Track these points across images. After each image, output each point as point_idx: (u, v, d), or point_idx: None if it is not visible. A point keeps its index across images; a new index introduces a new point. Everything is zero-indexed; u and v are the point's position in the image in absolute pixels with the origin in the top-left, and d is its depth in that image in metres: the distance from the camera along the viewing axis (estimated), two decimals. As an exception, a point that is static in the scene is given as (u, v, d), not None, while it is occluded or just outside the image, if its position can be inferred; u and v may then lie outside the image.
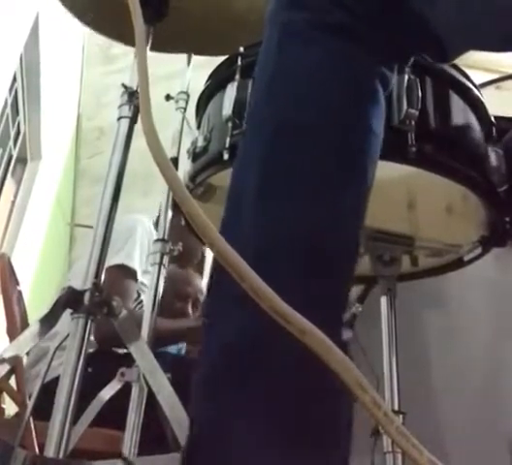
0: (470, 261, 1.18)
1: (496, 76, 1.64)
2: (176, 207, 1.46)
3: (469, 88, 1.06)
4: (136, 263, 1.76)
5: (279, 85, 0.72)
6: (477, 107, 1.07)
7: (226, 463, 0.59)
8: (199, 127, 1.17)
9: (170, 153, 1.44)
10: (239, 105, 0.99)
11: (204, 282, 2.04)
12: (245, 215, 0.66)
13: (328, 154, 0.69)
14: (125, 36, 1.33)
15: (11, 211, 3.89)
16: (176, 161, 1.44)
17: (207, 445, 0.61)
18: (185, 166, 1.12)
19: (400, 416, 1.11)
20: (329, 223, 0.66)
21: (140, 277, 1.78)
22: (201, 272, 2.08)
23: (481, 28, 0.72)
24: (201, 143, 1.07)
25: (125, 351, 0.95)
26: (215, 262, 0.65)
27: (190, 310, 1.96)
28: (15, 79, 3.34)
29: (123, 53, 3.66)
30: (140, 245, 1.79)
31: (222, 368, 0.63)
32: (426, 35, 0.73)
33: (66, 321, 0.89)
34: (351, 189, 0.69)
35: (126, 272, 1.74)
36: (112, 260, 1.68)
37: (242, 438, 0.59)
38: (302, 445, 0.59)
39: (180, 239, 1.46)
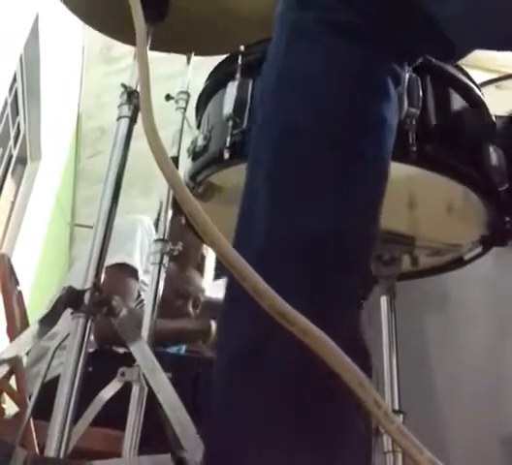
0: (470, 260, 1.18)
1: (496, 75, 1.64)
2: (177, 207, 1.46)
3: (470, 87, 1.06)
4: (136, 262, 1.76)
5: (288, 84, 0.72)
6: (478, 106, 1.07)
7: (227, 460, 0.59)
8: (199, 126, 1.17)
9: (170, 153, 1.44)
10: (239, 103, 0.99)
11: (205, 281, 2.04)
12: (257, 214, 0.66)
13: (339, 152, 0.68)
14: (126, 35, 1.33)
15: (11, 211, 3.88)
16: (176, 160, 1.44)
17: (210, 445, 0.61)
18: (185, 165, 1.12)
19: (401, 415, 1.11)
20: (341, 220, 0.66)
21: (141, 276, 1.78)
22: (201, 272, 2.08)
23: (488, 27, 0.72)
24: (201, 142, 1.07)
25: (125, 350, 0.95)
26: None
27: (191, 309, 1.96)
28: (14, 79, 3.34)
29: (123, 54, 3.66)
30: (140, 245, 1.79)
31: (226, 369, 0.63)
32: (433, 34, 0.73)
33: (66, 320, 0.89)
34: (365, 186, 0.68)
35: (127, 271, 1.74)
36: (112, 259, 1.68)
37: (244, 437, 0.59)
38: (303, 444, 0.59)
39: (180, 239, 1.46)
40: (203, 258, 2.09)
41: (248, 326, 0.62)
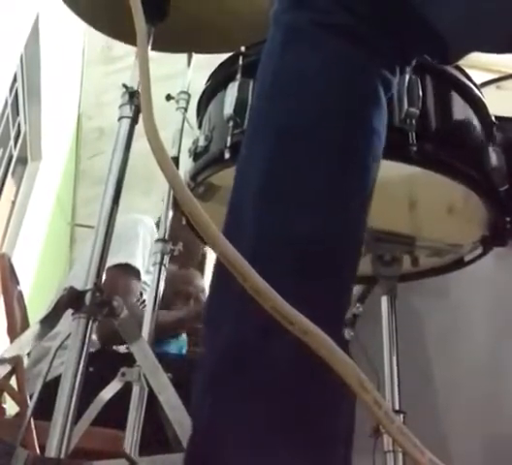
0: (471, 261, 1.18)
1: (496, 75, 1.64)
2: (177, 207, 1.46)
3: (470, 88, 1.06)
4: (139, 263, 1.76)
5: (281, 86, 0.72)
6: (478, 106, 1.07)
7: (224, 462, 0.59)
8: (200, 126, 1.17)
9: (170, 153, 1.44)
10: (240, 104, 0.99)
11: (206, 281, 2.05)
12: (247, 216, 0.66)
13: (330, 156, 0.68)
14: (127, 35, 1.33)
15: (11, 211, 3.88)
16: (176, 160, 1.44)
17: (204, 445, 0.61)
18: (186, 165, 1.13)
19: (401, 415, 1.11)
20: (331, 224, 0.66)
21: (142, 276, 1.78)
22: (202, 272, 2.09)
23: (483, 29, 0.72)
24: (202, 143, 1.07)
25: (126, 350, 0.95)
26: (218, 262, 0.65)
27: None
28: (15, 80, 3.34)
29: (124, 54, 3.66)
30: (142, 245, 1.79)
31: (222, 369, 0.63)
32: (429, 37, 0.73)
33: (67, 320, 0.89)
34: (354, 190, 0.68)
35: (129, 271, 1.74)
36: (114, 259, 1.68)
37: (240, 438, 0.59)
38: (300, 444, 0.59)
39: (180, 239, 1.46)
40: (204, 256, 2.10)
41: (241, 326, 0.62)
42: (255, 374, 0.60)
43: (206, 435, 0.61)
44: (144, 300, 1.80)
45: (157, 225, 1.83)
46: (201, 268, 2.11)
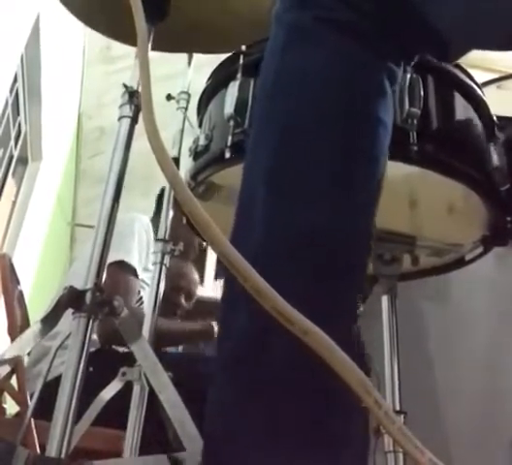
0: (471, 260, 1.18)
1: (497, 75, 1.64)
2: (177, 206, 1.46)
3: (472, 87, 1.06)
4: (135, 261, 1.76)
5: (285, 83, 0.72)
6: (479, 106, 1.07)
7: (231, 461, 0.59)
8: (200, 125, 1.17)
9: (170, 153, 1.44)
10: (240, 103, 0.99)
11: (206, 280, 2.05)
12: (256, 214, 0.66)
13: (337, 151, 0.69)
14: (125, 35, 1.33)
15: (12, 211, 3.89)
16: (176, 161, 1.44)
17: (211, 446, 0.61)
18: (186, 165, 1.13)
19: (402, 415, 1.11)
20: (339, 221, 0.66)
21: (140, 274, 1.78)
22: (201, 267, 2.09)
23: (484, 27, 0.72)
24: (202, 142, 1.07)
25: (126, 350, 0.95)
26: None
27: (183, 301, 1.97)
28: (15, 80, 3.34)
29: (123, 53, 3.66)
30: (138, 243, 1.79)
31: (225, 371, 0.63)
32: (429, 35, 0.74)
33: (68, 320, 0.89)
34: (362, 186, 0.69)
35: (126, 269, 1.74)
36: (110, 257, 1.68)
37: (246, 439, 0.59)
38: (305, 445, 0.59)
39: (177, 235, 1.47)
40: (201, 250, 2.10)
41: (246, 325, 0.62)
42: (256, 373, 0.60)
43: (214, 433, 0.61)
44: (141, 298, 1.80)
45: (152, 221, 1.84)
46: (200, 263, 2.11)
